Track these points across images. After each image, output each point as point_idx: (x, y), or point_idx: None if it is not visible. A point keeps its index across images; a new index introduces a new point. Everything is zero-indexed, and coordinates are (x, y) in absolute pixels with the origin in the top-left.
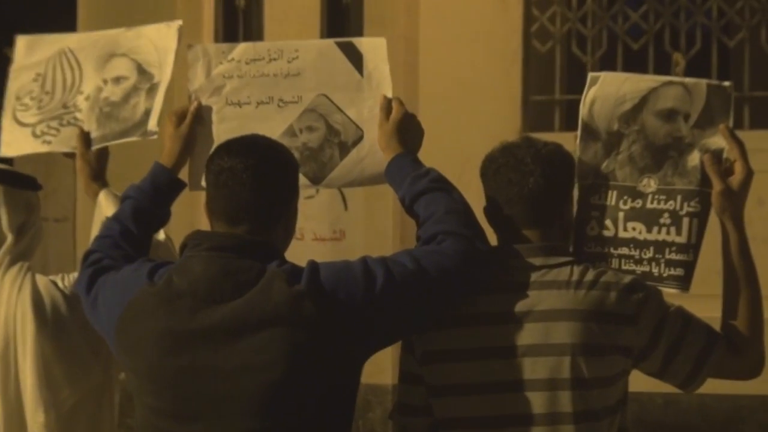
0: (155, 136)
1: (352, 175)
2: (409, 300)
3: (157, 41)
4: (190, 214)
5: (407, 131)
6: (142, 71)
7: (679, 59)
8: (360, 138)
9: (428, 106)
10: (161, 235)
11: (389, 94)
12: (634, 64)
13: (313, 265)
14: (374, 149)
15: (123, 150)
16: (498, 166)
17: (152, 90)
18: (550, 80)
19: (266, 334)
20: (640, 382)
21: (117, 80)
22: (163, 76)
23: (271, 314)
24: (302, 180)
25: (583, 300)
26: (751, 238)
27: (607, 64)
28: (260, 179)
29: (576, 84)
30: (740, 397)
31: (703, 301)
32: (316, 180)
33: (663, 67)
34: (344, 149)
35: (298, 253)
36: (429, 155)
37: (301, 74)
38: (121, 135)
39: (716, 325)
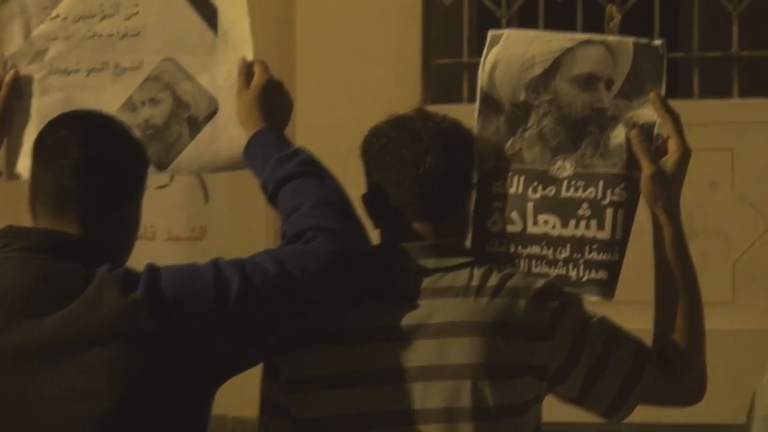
0: None
1: (204, 158)
2: (271, 312)
3: None
4: (12, 210)
5: (272, 102)
6: None
7: (614, 13)
8: (214, 111)
9: (307, 73)
10: None
11: (249, 56)
12: (559, 19)
13: (152, 270)
14: (231, 124)
15: None
16: (387, 141)
17: None
18: (456, 40)
19: (95, 354)
20: (568, 411)
21: None
22: None
23: (101, 329)
24: None
25: (486, 310)
26: (703, 231)
27: (526, 19)
28: (96, 160)
29: None
30: (688, 427)
31: (631, 310)
32: (161, 165)
33: (594, 23)
34: (195, 125)
35: (150, 255)
36: (308, 133)
37: (142, 34)
38: None
39: (647, 339)
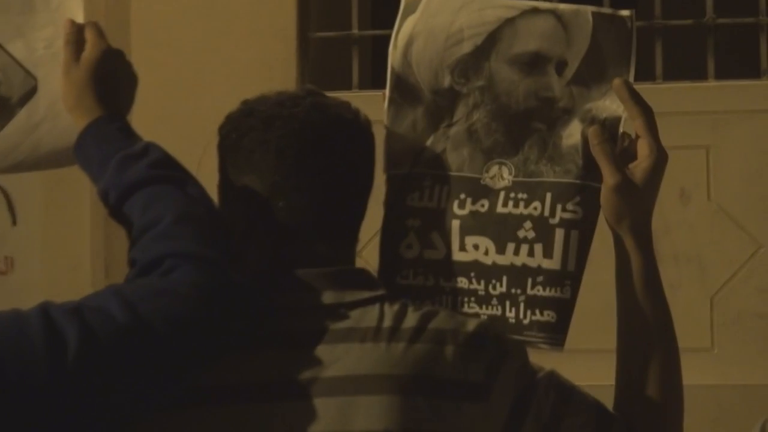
0: None
1: (20, 153)
2: (121, 373)
3: None
4: None
5: (110, 79)
6: None
7: None
8: (32, 90)
9: (146, 47)
10: None
11: (79, 19)
12: None
13: None
14: (56, 109)
15: None
16: (247, 131)
17: None
18: (344, 7)
19: None
20: None
21: None
22: None
23: None
24: None
25: (402, 360)
26: (672, 256)
27: None
28: None
29: (387, 14)
30: None
31: (585, 361)
32: None
33: None
34: (6, 109)
35: None
36: (150, 128)
37: None
38: None
39: (606, 398)
